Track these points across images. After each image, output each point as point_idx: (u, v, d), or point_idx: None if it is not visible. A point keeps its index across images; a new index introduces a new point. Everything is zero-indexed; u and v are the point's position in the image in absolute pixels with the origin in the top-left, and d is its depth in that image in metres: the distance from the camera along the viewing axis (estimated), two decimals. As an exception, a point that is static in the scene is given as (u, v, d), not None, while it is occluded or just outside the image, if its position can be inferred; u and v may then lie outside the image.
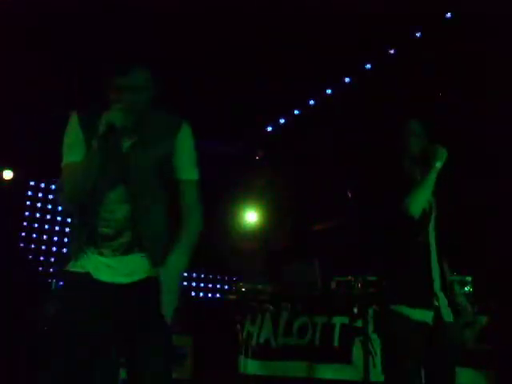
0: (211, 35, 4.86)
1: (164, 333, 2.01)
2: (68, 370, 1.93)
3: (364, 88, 5.46)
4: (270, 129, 6.70)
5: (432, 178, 2.38)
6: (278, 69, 5.23)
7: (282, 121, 6.53)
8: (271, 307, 4.80)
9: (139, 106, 2.02)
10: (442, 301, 2.40)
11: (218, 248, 6.53)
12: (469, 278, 4.01)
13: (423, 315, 2.37)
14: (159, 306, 1.96)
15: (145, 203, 2.02)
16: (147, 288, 1.98)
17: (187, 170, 2.11)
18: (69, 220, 6.76)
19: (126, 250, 2.01)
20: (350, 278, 4.53)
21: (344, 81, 5.69)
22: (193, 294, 7.24)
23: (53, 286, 5.83)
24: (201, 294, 7.34)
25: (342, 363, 4.11)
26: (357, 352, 4.03)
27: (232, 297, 5.27)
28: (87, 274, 1.99)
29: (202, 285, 7.36)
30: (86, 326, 1.93)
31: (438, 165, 2.38)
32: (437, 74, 4.90)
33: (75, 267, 2.03)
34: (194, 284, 7.30)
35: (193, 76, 5.29)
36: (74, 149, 2.02)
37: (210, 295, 7.38)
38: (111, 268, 2.00)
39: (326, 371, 4.19)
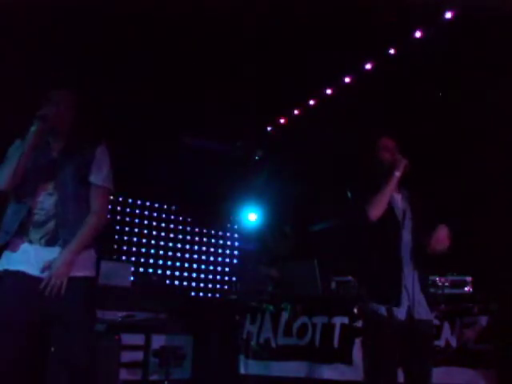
0: (211, 34, 4.86)
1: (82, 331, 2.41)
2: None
3: (364, 88, 5.45)
4: (269, 129, 6.70)
5: (390, 185, 2.61)
6: (277, 68, 5.23)
7: (281, 121, 6.53)
8: (271, 307, 4.80)
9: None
10: (415, 298, 2.52)
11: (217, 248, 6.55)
12: (469, 278, 4.02)
13: (395, 312, 2.49)
14: (77, 304, 2.40)
15: (67, 197, 2.47)
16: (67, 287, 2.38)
17: (97, 176, 2.56)
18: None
19: (50, 240, 2.42)
20: (349, 278, 4.54)
21: (344, 81, 5.68)
22: (192, 294, 7.24)
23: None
24: (200, 294, 7.33)
25: (342, 363, 4.12)
26: (357, 352, 4.03)
27: (232, 297, 5.27)
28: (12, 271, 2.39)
29: (201, 285, 7.36)
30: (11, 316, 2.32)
31: (397, 174, 2.61)
32: (437, 74, 4.89)
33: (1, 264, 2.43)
34: (193, 284, 7.30)
35: (192, 76, 5.30)
36: (14, 153, 2.46)
37: (209, 295, 7.39)
38: (35, 259, 2.39)
39: (326, 371, 4.19)
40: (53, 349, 2.51)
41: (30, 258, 2.39)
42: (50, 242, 2.42)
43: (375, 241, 2.60)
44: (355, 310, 4.12)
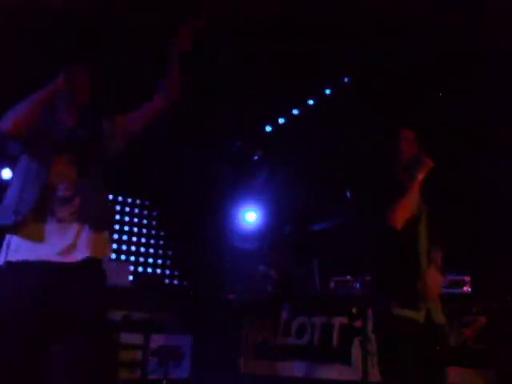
0: (208, 33, 4.85)
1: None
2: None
3: (363, 88, 5.45)
4: (268, 129, 6.70)
5: (414, 189, 2.46)
6: (277, 67, 5.22)
7: (281, 120, 6.53)
8: (271, 307, 4.80)
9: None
10: (432, 302, 2.48)
11: (215, 249, 6.54)
12: (467, 278, 4.02)
13: (415, 314, 2.45)
14: (96, 296, 2.09)
15: (88, 170, 2.21)
16: (87, 272, 2.09)
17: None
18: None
19: (79, 217, 2.12)
20: (348, 278, 4.54)
21: (343, 80, 5.68)
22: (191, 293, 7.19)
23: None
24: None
25: (341, 363, 4.12)
26: (356, 352, 4.03)
27: (231, 296, 5.28)
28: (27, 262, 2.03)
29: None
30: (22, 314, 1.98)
31: (420, 176, 2.47)
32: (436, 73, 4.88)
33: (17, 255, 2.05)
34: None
35: (190, 75, 5.28)
36: None
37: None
38: (64, 239, 2.07)
39: (325, 371, 4.20)
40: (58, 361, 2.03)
41: (56, 240, 2.08)
42: (78, 219, 2.12)
43: (394, 243, 2.50)
44: (354, 310, 4.11)
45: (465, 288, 3.97)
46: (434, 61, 4.84)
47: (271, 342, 4.66)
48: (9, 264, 2.05)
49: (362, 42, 4.95)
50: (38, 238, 2.06)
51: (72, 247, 2.09)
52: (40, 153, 2.15)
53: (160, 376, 4.84)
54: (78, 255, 2.08)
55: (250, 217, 7.15)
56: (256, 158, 6.76)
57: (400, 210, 2.43)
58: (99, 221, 2.19)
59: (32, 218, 2.07)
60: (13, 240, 2.09)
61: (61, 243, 2.08)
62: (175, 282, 7.18)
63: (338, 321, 4.26)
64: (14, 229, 2.06)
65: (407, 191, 2.46)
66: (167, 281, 7.06)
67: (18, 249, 2.07)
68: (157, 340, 4.96)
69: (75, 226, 2.12)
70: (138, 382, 4.71)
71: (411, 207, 2.48)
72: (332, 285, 4.63)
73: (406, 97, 5.04)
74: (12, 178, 2.24)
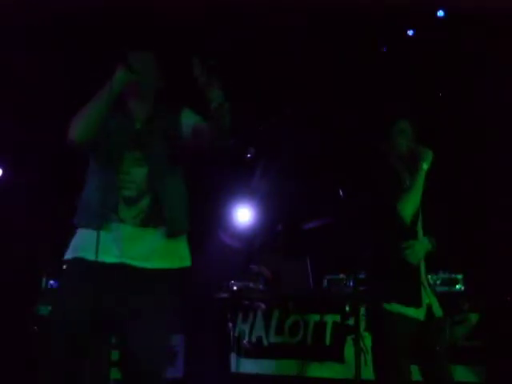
0: (205, 33, 4.85)
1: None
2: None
3: (355, 85, 5.45)
4: (261, 127, 6.69)
5: (420, 180, 2.44)
6: (271, 66, 5.22)
7: (273, 119, 6.52)
8: (263, 305, 4.80)
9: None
10: (431, 297, 2.47)
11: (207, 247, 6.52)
12: (459, 276, 4.03)
13: (415, 312, 2.42)
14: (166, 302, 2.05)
15: (160, 169, 2.06)
16: (163, 282, 2.03)
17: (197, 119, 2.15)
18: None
19: (145, 220, 2.01)
20: (341, 276, 4.54)
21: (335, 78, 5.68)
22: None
23: (43, 285, 5.77)
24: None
25: (334, 361, 4.13)
26: (348, 350, 4.04)
27: (224, 295, 5.26)
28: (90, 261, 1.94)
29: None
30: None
31: (425, 167, 2.45)
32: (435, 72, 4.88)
33: (80, 252, 1.99)
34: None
35: (184, 75, 5.27)
36: None
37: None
38: (128, 242, 1.98)
39: (318, 369, 4.20)
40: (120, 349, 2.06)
41: (121, 240, 1.98)
42: (145, 222, 2.01)
43: (392, 238, 2.46)
44: (347, 308, 4.12)
45: (457, 286, 3.98)
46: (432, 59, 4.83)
47: (264, 341, 4.65)
48: (72, 261, 2.01)
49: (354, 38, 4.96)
50: (108, 237, 1.98)
51: (141, 253, 2.01)
52: (105, 153, 2.03)
53: (153, 375, 4.81)
54: (150, 262, 2.02)
55: (243, 215, 7.15)
56: (249, 155, 6.75)
57: (409, 204, 2.39)
58: (172, 225, 2.06)
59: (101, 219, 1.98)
60: (79, 238, 2.04)
61: (125, 246, 1.99)
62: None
63: (331, 319, 4.26)
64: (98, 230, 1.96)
65: (413, 184, 2.43)
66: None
67: (84, 247, 2.00)
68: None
69: (143, 229, 2.02)
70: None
71: (419, 199, 2.44)
72: (325, 283, 4.64)
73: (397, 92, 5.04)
74: (87, 176, 2.14)
